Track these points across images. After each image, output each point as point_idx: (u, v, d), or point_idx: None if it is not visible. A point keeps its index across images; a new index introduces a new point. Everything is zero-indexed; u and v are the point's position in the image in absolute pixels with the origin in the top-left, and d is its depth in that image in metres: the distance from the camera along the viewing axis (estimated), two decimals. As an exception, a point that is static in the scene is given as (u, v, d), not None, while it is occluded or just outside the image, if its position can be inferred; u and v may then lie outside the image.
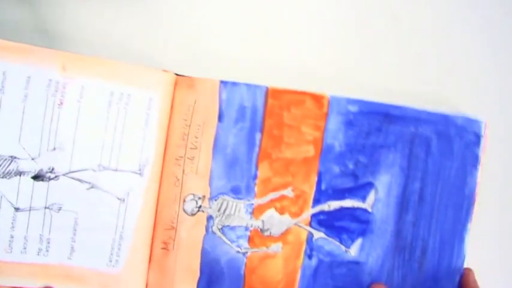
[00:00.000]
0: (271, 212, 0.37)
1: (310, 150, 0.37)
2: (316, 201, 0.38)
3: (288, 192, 0.37)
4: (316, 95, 0.37)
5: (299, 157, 0.37)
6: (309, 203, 0.38)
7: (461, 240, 0.39)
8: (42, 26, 0.38)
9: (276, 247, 0.37)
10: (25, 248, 0.35)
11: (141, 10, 0.39)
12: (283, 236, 0.37)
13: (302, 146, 0.37)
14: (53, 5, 0.38)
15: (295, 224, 0.37)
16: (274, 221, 0.37)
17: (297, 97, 0.37)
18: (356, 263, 0.38)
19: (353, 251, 0.38)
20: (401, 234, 0.38)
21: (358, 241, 0.38)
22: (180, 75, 0.37)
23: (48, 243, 0.35)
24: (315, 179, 0.37)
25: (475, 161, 0.39)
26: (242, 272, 0.37)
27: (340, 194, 0.38)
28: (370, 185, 0.38)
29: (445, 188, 0.39)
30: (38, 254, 0.35)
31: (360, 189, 0.38)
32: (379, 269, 0.38)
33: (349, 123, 0.38)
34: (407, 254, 0.38)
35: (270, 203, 0.37)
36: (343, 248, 0.38)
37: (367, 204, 0.38)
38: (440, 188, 0.38)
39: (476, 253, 0.39)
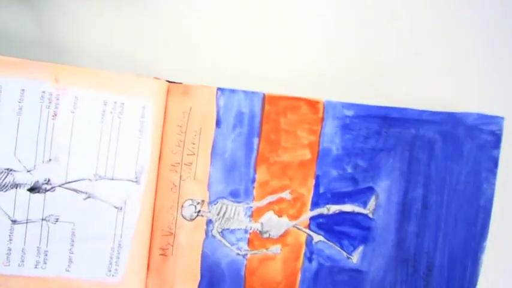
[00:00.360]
0: (269, 215, 0.37)
1: (306, 154, 0.37)
2: (315, 204, 0.37)
3: (286, 194, 0.37)
4: (311, 100, 0.37)
5: (296, 160, 0.37)
6: (307, 206, 0.37)
7: (475, 261, 0.35)
8: (41, 26, 0.38)
9: (275, 249, 0.38)
10: (23, 261, 0.35)
11: (141, 10, 0.39)
12: (282, 238, 0.37)
13: (298, 150, 0.37)
14: (52, 3, 0.38)
15: (294, 226, 0.37)
16: (273, 223, 0.37)
17: (293, 103, 0.37)
18: (358, 271, 0.38)
19: (355, 258, 0.38)
20: (404, 244, 0.37)
21: (360, 248, 0.38)
22: (171, 82, 0.36)
23: (46, 255, 0.35)
24: (312, 182, 0.37)
25: (492, 165, 0.35)
26: (242, 274, 0.37)
27: (339, 197, 0.37)
28: (370, 190, 0.37)
29: (453, 196, 0.37)
30: (36, 267, 0.35)
31: (361, 194, 0.37)
32: (381, 280, 0.38)
33: (345, 127, 0.37)
34: (411, 268, 0.37)
35: (269, 206, 0.37)
36: (344, 254, 0.38)
37: (368, 210, 0.38)
38: (446, 196, 0.37)
39: (494, 278, 0.34)
